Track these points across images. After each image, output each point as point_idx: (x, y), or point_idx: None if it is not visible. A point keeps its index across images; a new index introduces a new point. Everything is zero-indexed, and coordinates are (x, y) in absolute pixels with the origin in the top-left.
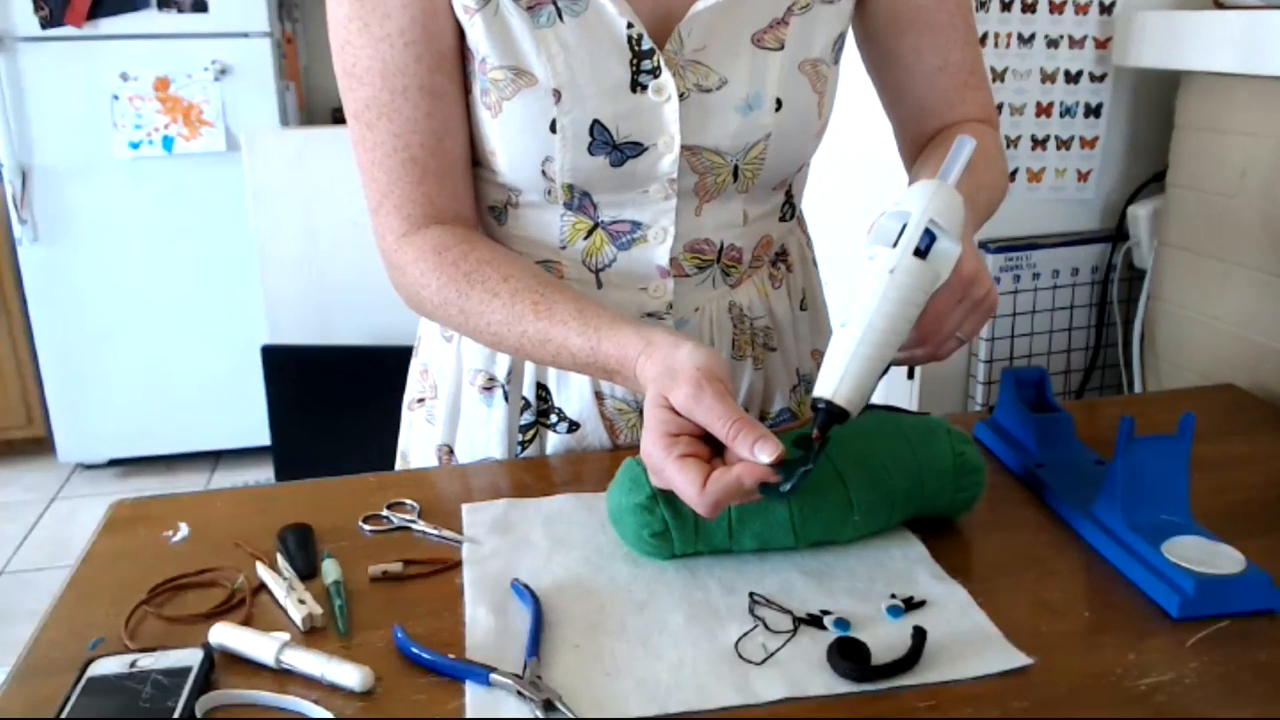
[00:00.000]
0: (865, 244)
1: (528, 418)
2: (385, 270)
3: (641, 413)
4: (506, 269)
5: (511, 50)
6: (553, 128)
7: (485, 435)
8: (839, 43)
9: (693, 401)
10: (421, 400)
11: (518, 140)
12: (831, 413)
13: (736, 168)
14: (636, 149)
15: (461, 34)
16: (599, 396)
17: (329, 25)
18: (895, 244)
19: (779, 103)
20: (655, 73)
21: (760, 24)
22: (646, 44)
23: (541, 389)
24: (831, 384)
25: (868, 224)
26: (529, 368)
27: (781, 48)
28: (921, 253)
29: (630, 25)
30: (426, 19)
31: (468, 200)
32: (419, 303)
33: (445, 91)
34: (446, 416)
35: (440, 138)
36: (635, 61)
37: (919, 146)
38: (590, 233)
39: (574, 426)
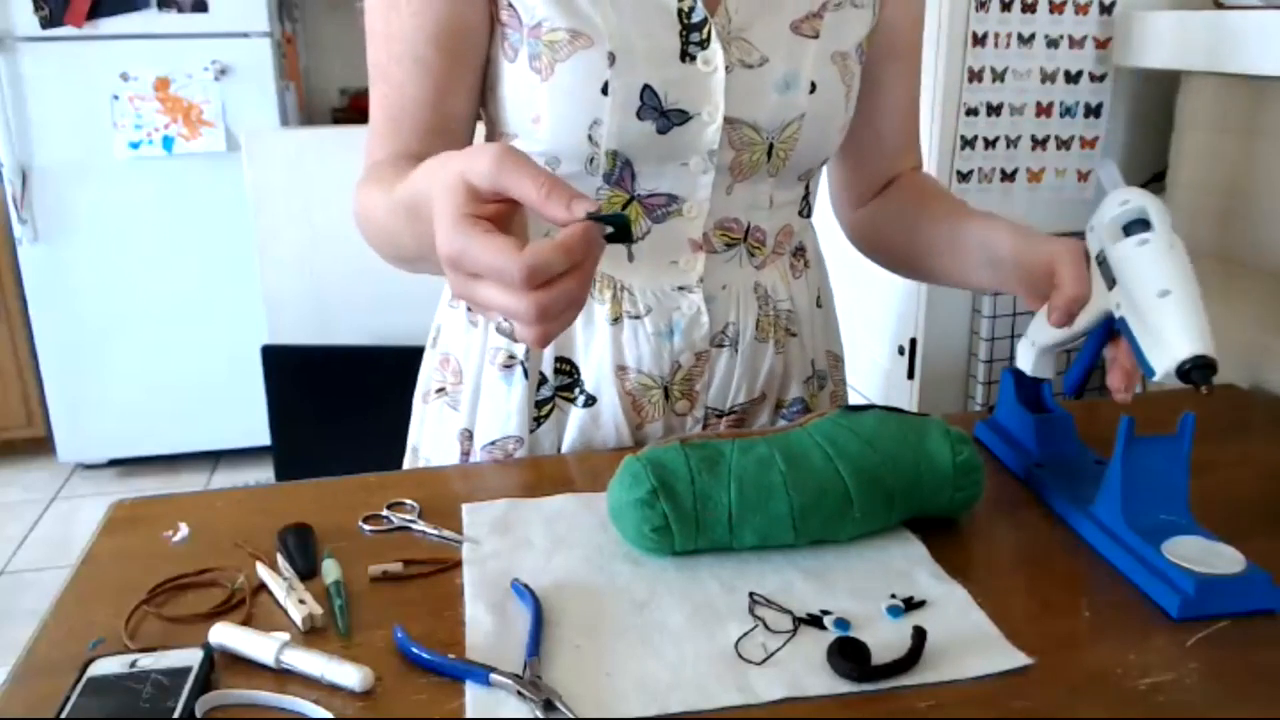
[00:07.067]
0: (1099, 241)
1: (544, 393)
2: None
3: (666, 390)
4: (412, 171)
5: (573, 11)
6: (604, 90)
7: (504, 413)
8: (862, 45)
9: (497, 167)
10: (441, 390)
11: (568, 102)
12: (1208, 365)
13: (771, 146)
14: (682, 117)
15: (490, 11)
16: (621, 371)
17: None
18: (1147, 228)
19: (813, 85)
20: (704, 44)
21: (799, 14)
22: (699, 15)
23: (563, 362)
24: (1197, 339)
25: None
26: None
27: (816, 37)
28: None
29: None
30: None
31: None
32: (360, 225)
33: (434, 65)
34: (469, 400)
35: (431, 104)
36: (684, 33)
37: (870, 187)
38: (625, 206)
39: (590, 401)
